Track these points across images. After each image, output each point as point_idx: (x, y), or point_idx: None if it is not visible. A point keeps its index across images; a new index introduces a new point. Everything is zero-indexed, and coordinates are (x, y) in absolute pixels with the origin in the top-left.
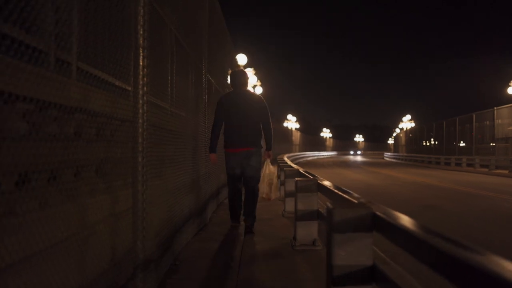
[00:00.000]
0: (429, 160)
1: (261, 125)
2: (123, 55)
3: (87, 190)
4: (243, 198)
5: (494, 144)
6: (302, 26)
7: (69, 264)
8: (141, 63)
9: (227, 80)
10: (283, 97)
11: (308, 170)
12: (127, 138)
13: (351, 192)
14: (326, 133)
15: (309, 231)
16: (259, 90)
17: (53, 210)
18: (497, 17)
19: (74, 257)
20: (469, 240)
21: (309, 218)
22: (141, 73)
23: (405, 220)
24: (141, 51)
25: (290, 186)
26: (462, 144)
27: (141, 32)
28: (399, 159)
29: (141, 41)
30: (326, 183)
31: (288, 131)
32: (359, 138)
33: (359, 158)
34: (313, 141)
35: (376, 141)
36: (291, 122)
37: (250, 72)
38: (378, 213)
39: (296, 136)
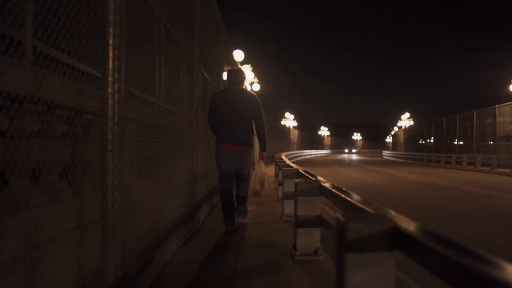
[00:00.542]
0: (429, 159)
1: (253, 124)
2: (95, 36)
3: (45, 199)
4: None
5: (495, 142)
6: (301, 24)
7: None
8: (110, 42)
9: (222, 76)
10: (281, 94)
11: (307, 170)
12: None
13: (360, 197)
14: (324, 131)
15: (310, 239)
16: (256, 87)
17: None
18: (498, 16)
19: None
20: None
21: (310, 225)
22: (110, 55)
23: (438, 237)
24: (110, 29)
25: (289, 187)
26: (461, 142)
27: (112, 7)
28: (398, 157)
29: (111, 18)
30: (330, 185)
31: (285, 129)
32: (357, 136)
33: (357, 157)
34: (311, 139)
35: (374, 139)
36: (289, 120)
37: (247, 68)
38: (401, 227)
39: (294, 134)
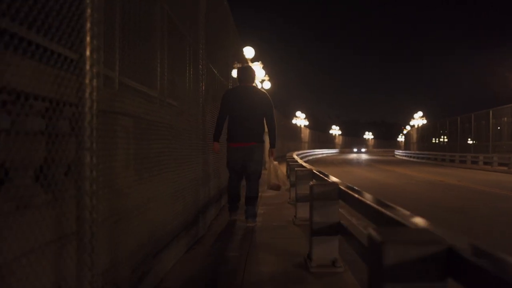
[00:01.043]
0: (443, 158)
1: (265, 121)
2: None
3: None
4: (244, 192)
5: None
6: (312, 22)
7: None
8: (87, 15)
9: (232, 73)
10: (291, 93)
11: (322, 170)
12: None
13: (393, 205)
14: (335, 130)
15: (328, 249)
16: (267, 85)
17: None
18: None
19: None
20: None
21: (328, 233)
22: (88, 32)
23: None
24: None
25: (302, 188)
26: (476, 142)
27: None
28: (411, 156)
29: None
30: (351, 189)
31: (297, 128)
32: (368, 135)
33: (368, 156)
34: (322, 138)
35: (385, 139)
36: (300, 119)
37: (258, 65)
38: (458, 249)
39: (305, 133)
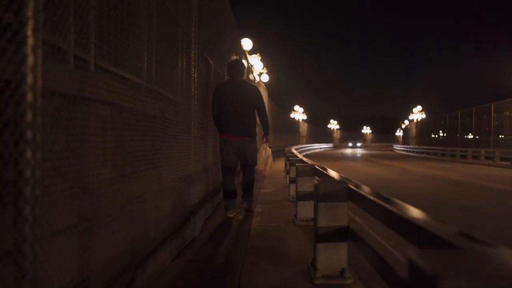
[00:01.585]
0: (443, 153)
1: (256, 112)
2: None
3: None
4: (239, 182)
5: None
6: (311, 17)
7: None
8: None
9: (226, 63)
10: (289, 87)
11: (324, 165)
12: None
13: (424, 213)
14: (333, 124)
15: (335, 256)
16: (265, 78)
17: None
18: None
19: None
20: None
21: (335, 239)
22: None
23: None
24: None
25: (303, 186)
26: (477, 136)
27: None
28: (410, 151)
29: None
30: (366, 189)
31: (295, 122)
32: (366, 129)
33: (367, 151)
34: (320, 133)
35: (383, 133)
36: (298, 113)
37: (256, 57)
38: None
39: (303, 128)
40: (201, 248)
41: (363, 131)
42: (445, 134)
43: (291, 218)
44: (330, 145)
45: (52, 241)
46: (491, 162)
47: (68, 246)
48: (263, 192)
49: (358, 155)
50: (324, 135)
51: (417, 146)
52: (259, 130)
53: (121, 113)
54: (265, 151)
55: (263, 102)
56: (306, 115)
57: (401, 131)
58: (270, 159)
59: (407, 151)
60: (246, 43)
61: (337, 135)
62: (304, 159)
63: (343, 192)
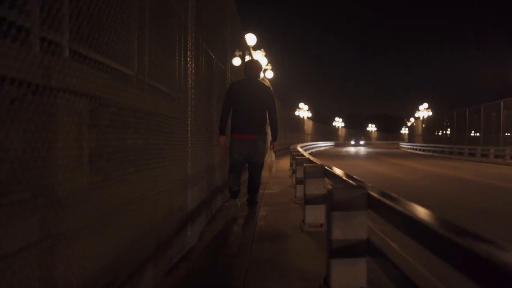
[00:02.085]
0: (451, 151)
1: (267, 114)
2: None
3: None
4: (245, 179)
5: None
6: (316, 15)
7: None
8: None
9: (232, 60)
10: (294, 84)
11: (330, 164)
12: None
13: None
14: (338, 122)
15: (352, 274)
16: (269, 75)
17: None
18: None
19: None
20: None
21: (352, 254)
22: None
23: None
24: None
25: (312, 188)
26: (481, 133)
27: None
28: (416, 149)
29: None
30: (391, 197)
31: (300, 120)
32: (371, 127)
33: (372, 149)
34: (325, 131)
35: (388, 131)
36: (303, 111)
37: (260, 53)
38: None
39: (308, 125)
40: (198, 259)
41: (368, 129)
42: (451, 132)
43: (298, 223)
44: (334, 143)
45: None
46: (501, 160)
47: (25, 271)
48: (268, 193)
49: (364, 153)
50: (329, 133)
51: (424, 144)
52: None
53: (105, 107)
54: (270, 158)
55: (275, 103)
56: (311, 113)
57: (406, 129)
58: (274, 165)
59: (413, 149)
60: (250, 39)
61: (342, 132)
62: (312, 158)
63: (362, 199)
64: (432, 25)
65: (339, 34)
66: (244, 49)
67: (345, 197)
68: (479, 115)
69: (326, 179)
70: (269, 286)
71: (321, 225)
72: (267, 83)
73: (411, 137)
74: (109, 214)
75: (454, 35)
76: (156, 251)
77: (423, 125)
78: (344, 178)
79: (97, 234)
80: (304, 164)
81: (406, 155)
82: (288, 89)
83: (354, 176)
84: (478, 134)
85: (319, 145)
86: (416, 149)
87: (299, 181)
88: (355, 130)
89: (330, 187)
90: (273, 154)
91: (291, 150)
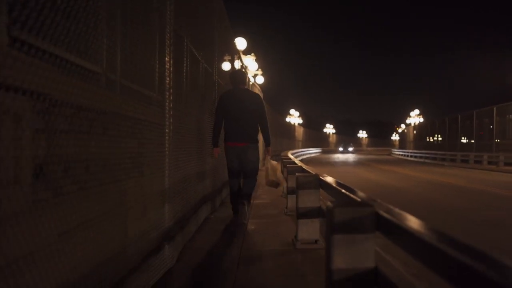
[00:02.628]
0: (443, 157)
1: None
2: None
3: None
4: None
5: None
6: (307, 20)
7: None
8: None
9: (221, 65)
10: (285, 90)
11: (321, 172)
12: None
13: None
14: (329, 128)
15: None
16: (260, 80)
17: None
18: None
19: None
20: None
21: (358, 285)
22: None
23: None
24: None
25: (305, 200)
26: (474, 140)
27: None
28: (408, 155)
29: None
30: (413, 220)
31: (291, 126)
32: (362, 134)
33: (363, 155)
34: (316, 137)
35: (379, 137)
36: (294, 117)
37: (250, 58)
38: None
39: (299, 132)
40: (177, 281)
41: (359, 135)
42: (443, 138)
43: (290, 239)
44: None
45: None
46: (494, 167)
47: None
48: (257, 203)
49: (356, 159)
50: (320, 139)
51: (416, 151)
52: (260, 141)
53: (60, 108)
54: (270, 165)
55: (264, 109)
56: (302, 119)
57: (397, 135)
58: (278, 167)
59: (405, 155)
60: (240, 43)
61: (333, 139)
62: (304, 166)
63: (369, 220)
64: (429, 28)
65: (334, 40)
66: (234, 52)
67: (350, 217)
68: (471, 121)
69: (321, 190)
70: None
71: (316, 241)
72: (258, 88)
73: (402, 144)
74: (55, 242)
75: (449, 42)
76: (123, 278)
77: (415, 132)
78: (345, 191)
79: (39, 267)
80: (297, 174)
81: (398, 162)
82: (279, 93)
83: (355, 189)
84: (471, 141)
85: (310, 151)
86: (408, 156)
87: (291, 191)
88: (346, 136)
89: (330, 204)
90: (272, 162)
91: (282, 157)
